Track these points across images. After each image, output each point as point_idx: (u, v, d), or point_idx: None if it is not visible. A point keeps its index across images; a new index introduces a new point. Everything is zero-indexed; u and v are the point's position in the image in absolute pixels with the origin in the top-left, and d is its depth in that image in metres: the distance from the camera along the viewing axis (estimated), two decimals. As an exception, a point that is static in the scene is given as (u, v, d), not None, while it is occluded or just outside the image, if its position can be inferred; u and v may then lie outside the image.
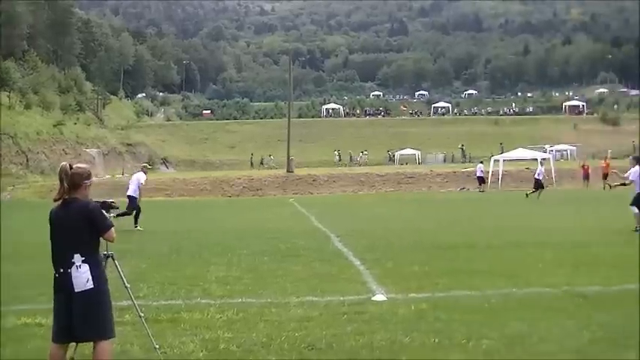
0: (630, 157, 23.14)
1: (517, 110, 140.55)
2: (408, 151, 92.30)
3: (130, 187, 24.23)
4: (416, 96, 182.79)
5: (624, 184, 21.85)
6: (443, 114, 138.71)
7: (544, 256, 14.47)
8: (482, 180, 51.91)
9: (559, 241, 17.29)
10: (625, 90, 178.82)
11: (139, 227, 23.16)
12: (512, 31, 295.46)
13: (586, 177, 52.77)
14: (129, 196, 23.97)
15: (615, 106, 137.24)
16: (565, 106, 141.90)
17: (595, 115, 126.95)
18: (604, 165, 50.13)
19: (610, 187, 44.89)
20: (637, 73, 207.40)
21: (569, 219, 24.90)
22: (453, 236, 19.15)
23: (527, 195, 40.00)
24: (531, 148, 66.49)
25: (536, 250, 15.51)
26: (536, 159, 54.93)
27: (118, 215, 22.91)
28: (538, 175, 42.32)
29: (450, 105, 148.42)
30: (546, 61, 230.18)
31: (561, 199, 38.25)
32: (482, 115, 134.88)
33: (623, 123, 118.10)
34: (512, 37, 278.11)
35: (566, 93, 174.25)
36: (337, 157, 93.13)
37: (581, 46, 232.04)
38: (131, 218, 23.26)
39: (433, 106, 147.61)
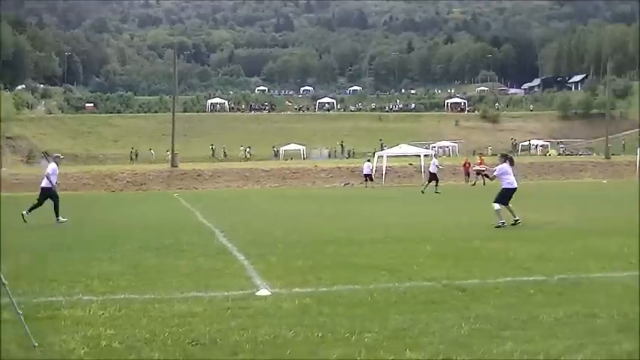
0: (499, 154, 23.85)
1: (401, 107, 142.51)
2: (293, 147, 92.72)
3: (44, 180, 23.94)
4: (301, 91, 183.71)
5: (486, 176, 22.46)
6: (328, 110, 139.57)
7: (425, 251, 14.72)
8: (369, 177, 52.44)
9: (440, 236, 17.60)
10: (504, 88, 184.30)
11: (61, 219, 23.01)
12: (396, 29, 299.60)
13: (467, 173, 54.03)
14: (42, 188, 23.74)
15: (496, 104, 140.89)
16: (447, 103, 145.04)
17: (476, 112, 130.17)
18: (478, 162, 51.47)
19: (479, 175, 46.33)
20: (516, 72, 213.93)
21: (450, 214, 25.40)
22: (337, 231, 19.29)
23: (437, 192, 40.30)
24: (415, 145, 67.71)
25: (417, 245, 15.76)
26: (419, 155, 56.05)
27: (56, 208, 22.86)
28: (432, 168, 43.01)
29: (334, 101, 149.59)
30: (429, 59, 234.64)
31: (443, 195, 38.97)
32: (366, 111, 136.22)
33: (502, 120, 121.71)
34: (396, 35, 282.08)
35: (449, 90, 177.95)
36: (212, 152, 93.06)
37: (462, 44, 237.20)
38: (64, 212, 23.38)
39: (318, 101, 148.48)
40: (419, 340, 7.54)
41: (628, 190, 38.78)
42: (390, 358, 6.92)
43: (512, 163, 20.79)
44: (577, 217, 22.60)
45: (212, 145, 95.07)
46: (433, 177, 42.50)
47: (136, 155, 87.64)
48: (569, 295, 9.90)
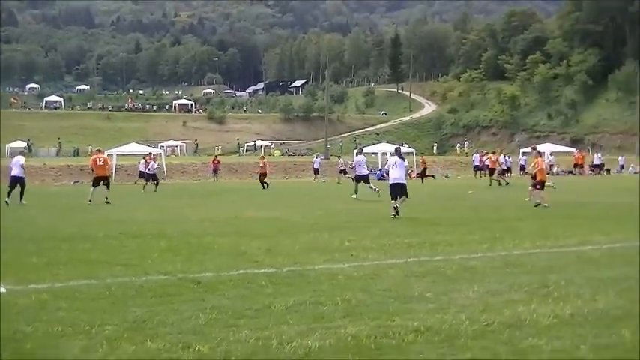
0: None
1: (130, 106, 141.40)
2: (19, 144, 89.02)
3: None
4: (27, 89, 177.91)
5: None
6: (55, 108, 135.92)
7: (159, 246, 14.97)
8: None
9: (173, 231, 17.90)
10: (230, 91, 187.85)
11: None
12: (123, 29, 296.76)
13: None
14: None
15: (226, 107, 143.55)
16: (175, 104, 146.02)
17: (203, 113, 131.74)
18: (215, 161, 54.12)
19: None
20: (241, 75, 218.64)
21: (181, 211, 25.52)
22: (70, 227, 19.14)
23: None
24: (144, 144, 67.70)
25: (151, 241, 15.99)
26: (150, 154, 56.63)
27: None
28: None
29: (62, 99, 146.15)
30: (157, 60, 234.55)
31: (174, 193, 39.19)
32: (94, 110, 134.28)
33: (228, 122, 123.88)
34: (123, 35, 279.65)
35: (176, 92, 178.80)
36: None
37: (189, 47, 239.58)
38: None
39: (45, 99, 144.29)
40: (158, 330, 7.78)
41: (344, 189, 40.68)
42: (131, 348, 7.11)
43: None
44: (301, 214, 23.53)
45: None
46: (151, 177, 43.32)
47: None
48: (297, 285, 10.49)
